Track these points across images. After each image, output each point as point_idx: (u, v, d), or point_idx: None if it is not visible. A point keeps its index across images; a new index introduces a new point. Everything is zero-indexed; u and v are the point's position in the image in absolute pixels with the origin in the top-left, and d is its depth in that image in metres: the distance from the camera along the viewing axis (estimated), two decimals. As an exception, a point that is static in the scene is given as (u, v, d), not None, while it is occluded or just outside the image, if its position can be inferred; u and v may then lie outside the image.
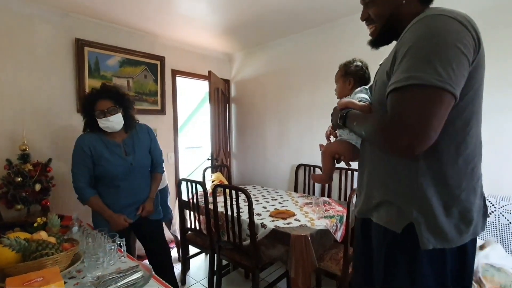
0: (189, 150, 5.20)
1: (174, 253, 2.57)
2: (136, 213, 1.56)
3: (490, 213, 1.66)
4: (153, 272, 1.00)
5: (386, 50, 0.81)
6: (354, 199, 1.34)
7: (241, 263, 1.77)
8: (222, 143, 3.26)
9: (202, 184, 2.00)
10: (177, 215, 2.28)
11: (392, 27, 0.77)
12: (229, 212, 1.73)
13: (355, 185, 2.28)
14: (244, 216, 1.73)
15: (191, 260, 2.44)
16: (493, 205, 1.66)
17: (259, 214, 1.83)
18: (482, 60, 0.67)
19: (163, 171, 1.77)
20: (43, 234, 1.03)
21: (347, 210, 1.56)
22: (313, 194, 2.58)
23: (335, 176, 2.34)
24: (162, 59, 2.81)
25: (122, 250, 1.15)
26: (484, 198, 0.76)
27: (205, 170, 2.72)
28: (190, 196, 2.06)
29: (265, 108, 3.20)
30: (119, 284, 0.89)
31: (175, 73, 2.98)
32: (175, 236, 2.52)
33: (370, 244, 0.82)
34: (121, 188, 1.50)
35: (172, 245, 2.72)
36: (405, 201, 0.70)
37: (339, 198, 2.46)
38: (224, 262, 2.04)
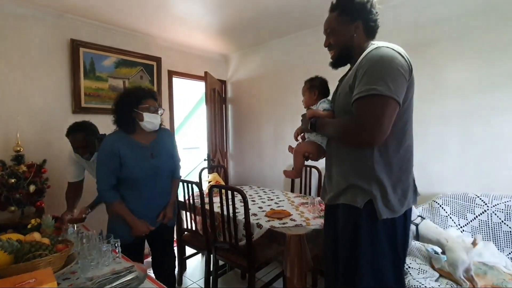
0: (186, 151, 5.18)
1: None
2: (156, 219, 1.51)
3: (483, 212, 1.68)
4: (149, 272, 1.00)
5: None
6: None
7: (237, 263, 1.77)
8: (218, 143, 3.26)
9: (198, 184, 2.00)
10: (173, 216, 2.28)
11: (347, 53, 1.03)
12: (225, 213, 1.73)
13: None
14: (240, 216, 1.73)
15: (188, 261, 2.43)
16: (485, 204, 1.68)
17: (255, 214, 1.84)
18: (413, 81, 0.94)
19: (181, 176, 1.74)
20: (36, 236, 1.02)
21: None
22: (309, 194, 2.59)
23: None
24: (158, 60, 2.81)
25: (116, 251, 1.15)
26: (414, 179, 1.02)
27: (201, 170, 2.72)
28: (187, 197, 2.06)
29: (261, 108, 3.20)
30: (113, 284, 0.88)
31: (171, 74, 2.97)
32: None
33: (336, 227, 1.05)
34: (144, 192, 1.45)
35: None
36: (365, 183, 0.93)
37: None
38: (221, 262, 2.04)
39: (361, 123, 0.87)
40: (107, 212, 1.53)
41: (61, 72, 2.23)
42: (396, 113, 0.86)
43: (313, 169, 2.60)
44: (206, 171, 2.74)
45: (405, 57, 0.90)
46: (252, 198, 2.28)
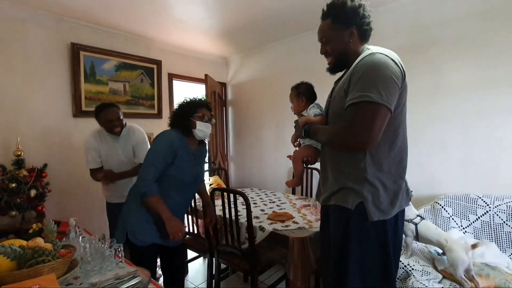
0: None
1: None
2: (204, 222, 1.58)
3: (485, 213, 1.68)
4: (152, 277, 1.00)
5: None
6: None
7: (240, 267, 1.76)
8: (219, 146, 3.26)
9: (200, 187, 1.99)
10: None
11: (343, 59, 1.04)
12: (227, 216, 1.73)
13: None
14: (242, 219, 1.72)
15: (190, 264, 2.42)
16: (487, 205, 1.68)
17: (257, 217, 1.83)
18: (406, 87, 0.95)
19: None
20: (39, 241, 1.01)
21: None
22: (311, 196, 2.58)
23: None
24: (158, 63, 2.81)
25: (119, 255, 1.14)
26: (406, 181, 1.03)
27: (202, 173, 2.71)
28: (188, 200, 2.05)
29: (262, 110, 3.20)
30: (117, 290, 0.88)
31: (171, 76, 2.98)
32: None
33: (328, 226, 1.07)
34: (180, 196, 1.45)
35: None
36: (357, 185, 0.95)
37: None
38: (223, 265, 2.03)
39: (353, 129, 0.89)
40: (123, 212, 1.45)
41: (62, 76, 2.23)
42: (387, 119, 0.89)
43: (314, 171, 2.60)
44: (207, 173, 2.74)
45: (398, 63, 0.91)
46: (254, 200, 2.28)
